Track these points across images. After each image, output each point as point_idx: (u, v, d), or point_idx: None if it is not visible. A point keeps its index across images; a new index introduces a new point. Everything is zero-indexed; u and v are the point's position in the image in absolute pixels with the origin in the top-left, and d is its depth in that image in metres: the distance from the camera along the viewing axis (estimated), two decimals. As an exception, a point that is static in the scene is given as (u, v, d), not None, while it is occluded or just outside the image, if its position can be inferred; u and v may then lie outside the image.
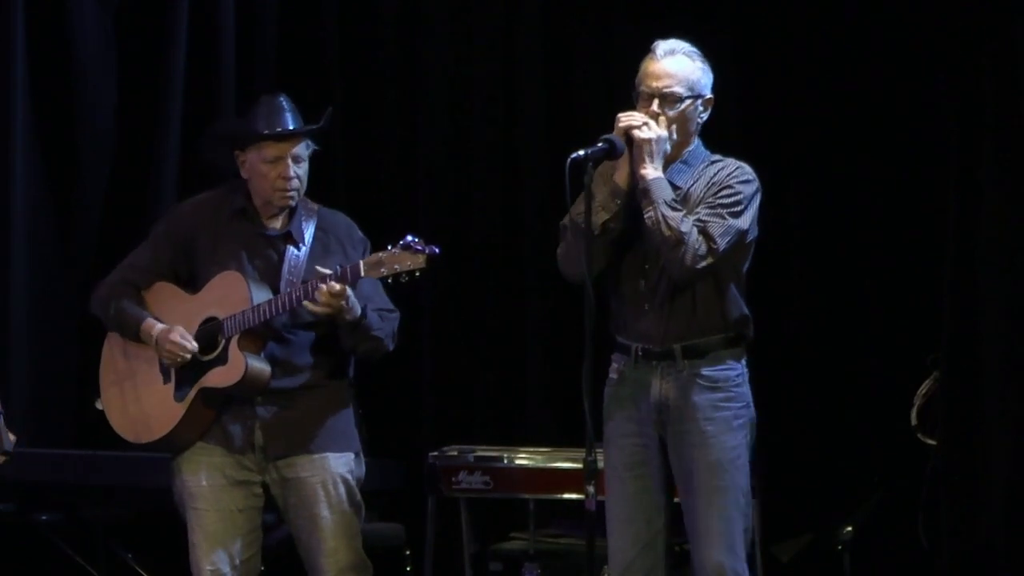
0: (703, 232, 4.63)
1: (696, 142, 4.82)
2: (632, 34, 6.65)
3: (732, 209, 4.68)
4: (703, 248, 4.61)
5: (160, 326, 5.02)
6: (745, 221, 4.69)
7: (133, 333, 5.07)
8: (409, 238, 4.74)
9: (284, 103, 5.04)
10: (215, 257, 5.04)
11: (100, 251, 7.05)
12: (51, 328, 6.94)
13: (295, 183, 5.02)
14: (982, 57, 5.94)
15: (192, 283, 5.08)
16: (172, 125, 7.01)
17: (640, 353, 4.75)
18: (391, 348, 5.09)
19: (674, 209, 4.63)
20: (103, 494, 6.32)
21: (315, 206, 5.13)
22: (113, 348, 5.18)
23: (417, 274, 4.77)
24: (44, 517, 6.43)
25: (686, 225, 4.61)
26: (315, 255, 5.01)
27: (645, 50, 4.79)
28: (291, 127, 4.99)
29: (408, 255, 4.71)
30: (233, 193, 5.11)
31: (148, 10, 7.09)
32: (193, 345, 4.97)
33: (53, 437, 6.79)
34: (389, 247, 4.77)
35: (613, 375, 4.82)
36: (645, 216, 4.65)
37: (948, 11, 6.02)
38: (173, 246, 5.11)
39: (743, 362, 4.78)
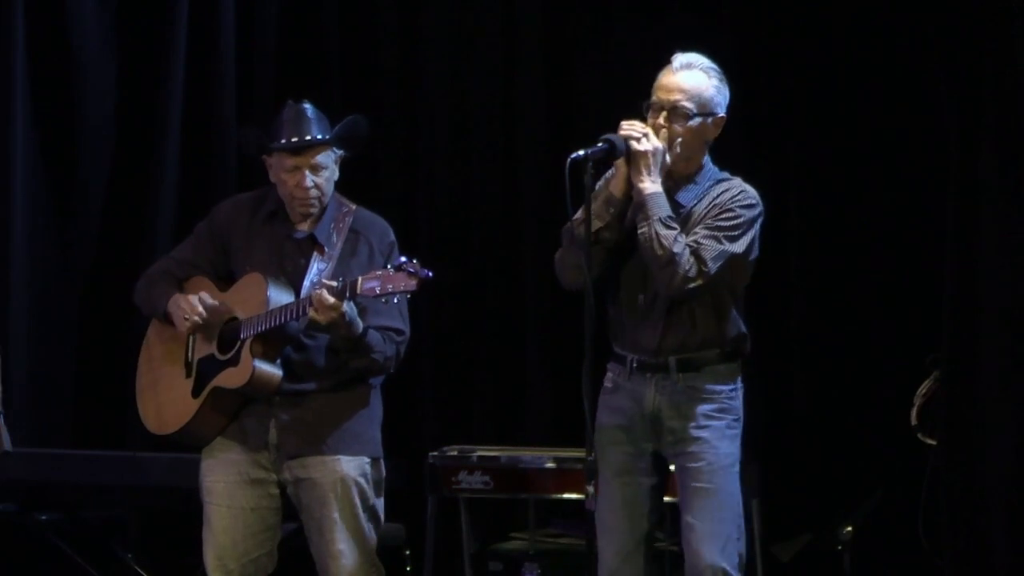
0: (695, 254, 4.60)
1: (706, 160, 4.79)
2: (632, 34, 6.66)
3: (729, 233, 4.65)
4: (693, 270, 4.59)
5: (181, 294, 5.05)
6: (740, 246, 4.66)
7: (162, 313, 5.10)
8: (403, 259, 4.75)
9: (307, 111, 5.03)
10: (248, 258, 5.07)
11: (100, 251, 7.06)
12: (51, 328, 6.94)
13: (313, 192, 5.02)
14: (982, 58, 5.93)
15: (229, 280, 5.11)
16: (172, 125, 7.01)
17: (635, 364, 4.75)
18: (392, 369, 5.07)
19: (668, 227, 4.60)
20: (103, 494, 6.32)
21: (352, 206, 5.12)
22: (152, 337, 5.22)
23: (408, 296, 4.80)
24: (44, 517, 6.43)
25: (678, 245, 4.58)
26: (343, 257, 5.01)
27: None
28: (307, 137, 4.99)
29: (403, 277, 4.72)
30: (270, 194, 5.14)
31: (148, 10, 7.09)
32: (203, 308, 4.98)
33: (53, 437, 6.79)
34: (388, 267, 4.78)
35: (608, 383, 4.82)
36: (639, 231, 4.63)
37: (948, 13, 6.02)
38: (212, 243, 5.15)
39: (738, 379, 4.77)
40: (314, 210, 5.05)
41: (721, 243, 4.63)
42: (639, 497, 4.74)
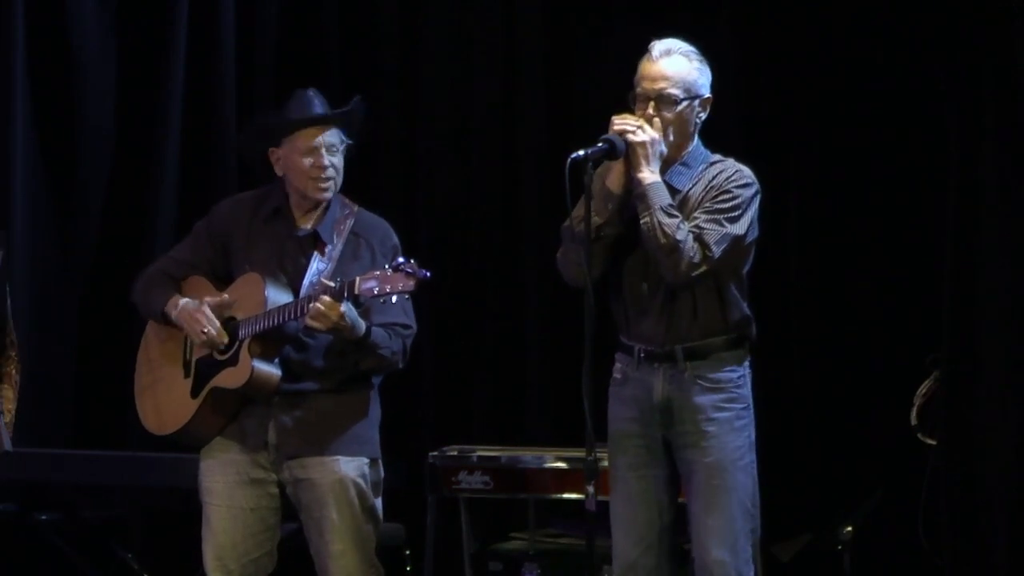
0: (698, 239, 4.61)
1: (696, 142, 4.81)
2: (632, 34, 6.64)
3: (729, 215, 4.66)
4: (697, 256, 4.60)
5: (185, 300, 5.05)
6: (741, 226, 4.68)
7: (159, 313, 5.09)
8: (401, 260, 4.76)
9: (314, 95, 5.06)
10: (248, 257, 5.07)
11: (100, 251, 7.06)
12: (51, 328, 6.94)
13: (330, 172, 5.02)
14: (982, 58, 5.94)
15: (228, 281, 5.10)
16: (172, 125, 7.01)
17: (642, 354, 4.75)
18: (401, 365, 5.08)
19: (670, 215, 4.61)
20: (103, 494, 6.32)
21: (354, 206, 5.13)
22: (149, 337, 5.22)
23: (407, 296, 4.81)
24: (44, 517, 6.43)
25: (681, 232, 4.60)
26: (344, 259, 5.02)
27: (645, 50, 4.78)
28: (322, 112, 5.01)
29: (401, 278, 4.73)
30: (272, 193, 5.14)
31: (148, 10, 7.09)
32: (216, 324, 4.97)
33: (53, 437, 6.79)
34: (386, 267, 4.79)
35: (617, 375, 4.82)
36: (641, 221, 4.64)
37: (948, 13, 6.02)
38: (211, 243, 5.15)
39: (745, 364, 4.77)
40: (328, 195, 5.04)
41: (723, 226, 4.64)
42: (654, 491, 4.74)
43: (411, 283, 4.72)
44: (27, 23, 6.90)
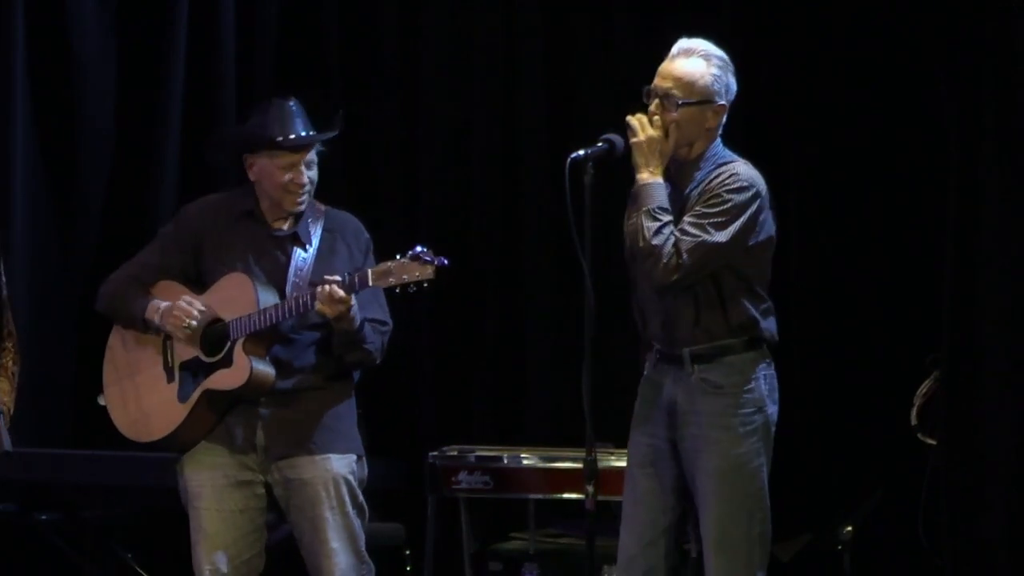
0: (675, 245, 4.53)
1: (714, 145, 4.70)
2: (632, 34, 6.66)
3: (715, 220, 4.56)
4: (672, 262, 4.52)
5: (165, 303, 5.02)
6: (726, 234, 4.55)
7: (140, 320, 5.07)
8: (418, 248, 4.73)
9: (295, 108, 5.04)
10: (222, 258, 5.04)
11: (100, 251, 7.05)
12: (51, 328, 6.94)
13: (307, 187, 5.03)
14: (982, 58, 5.94)
15: (199, 284, 5.07)
16: (172, 125, 7.01)
17: (657, 355, 4.73)
18: (378, 362, 5.08)
19: (654, 218, 4.55)
20: (103, 494, 6.31)
21: (322, 207, 5.13)
22: (117, 344, 5.18)
23: (425, 284, 4.77)
24: (44, 517, 6.43)
25: (660, 237, 4.53)
26: (321, 256, 5.02)
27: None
28: (304, 133, 4.99)
29: (417, 266, 4.71)
30: (242, 195, 5.13)
31: (148, 10, 7.09)
32: (200, 308, 4.96)
33: (53, 437, 6.79)
34: (398, 257, 4.76)
35: (644, 371, 4.80)
36: (627, 222, 4.62)
37: (948, 13, 6.02)
38: (180, 246, 5.11)
39: (760, 366, 4.66)
40: (302, 206, 5.05)
41: (705, 232, 4.53)
42: (660, 490, 4.71)
43: (429, 271, 4.71)
44: (27, 23, 6.90)
